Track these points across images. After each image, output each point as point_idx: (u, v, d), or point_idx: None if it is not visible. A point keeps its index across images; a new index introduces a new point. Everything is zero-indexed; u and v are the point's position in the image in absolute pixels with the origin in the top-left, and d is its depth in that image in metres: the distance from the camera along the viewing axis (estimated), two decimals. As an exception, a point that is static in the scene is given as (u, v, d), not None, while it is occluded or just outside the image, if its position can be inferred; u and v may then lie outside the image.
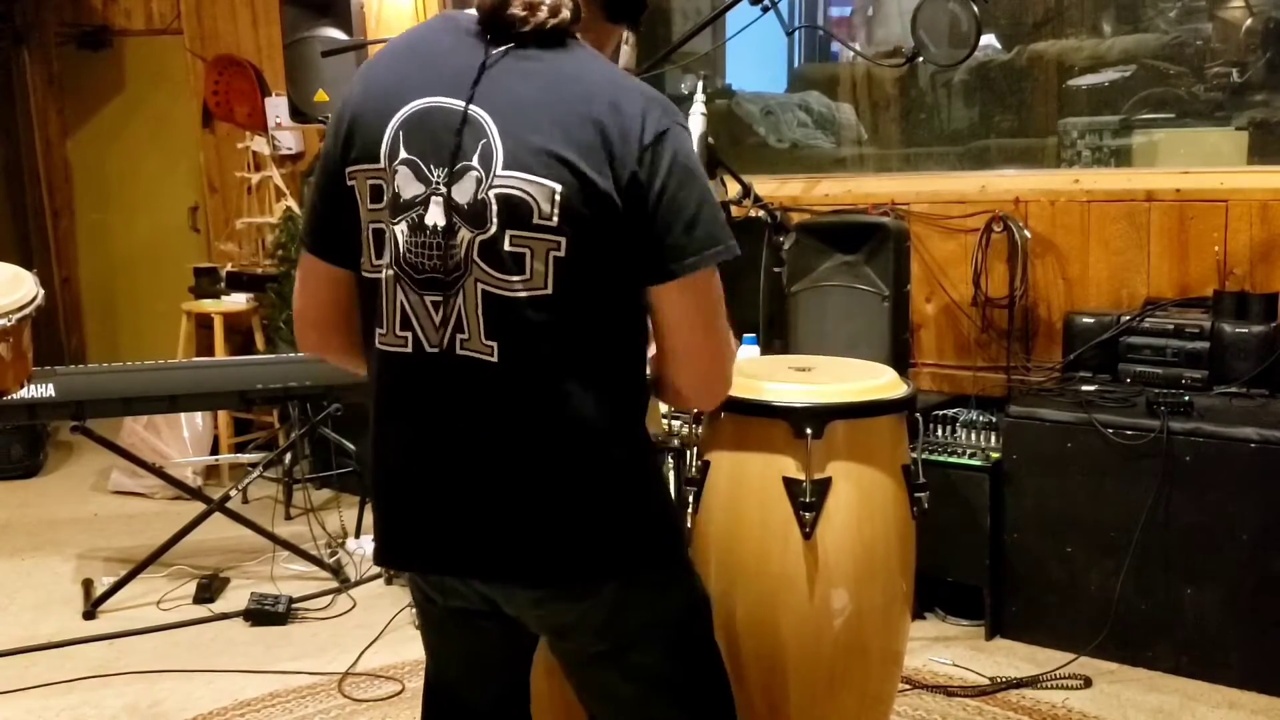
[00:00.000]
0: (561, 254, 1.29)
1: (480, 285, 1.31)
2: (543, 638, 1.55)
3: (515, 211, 1.28)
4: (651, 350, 1.44)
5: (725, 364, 1.44)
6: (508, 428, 1.35)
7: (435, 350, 1.34)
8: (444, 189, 1.30)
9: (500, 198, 1.29)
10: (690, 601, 1.54)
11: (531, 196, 1.28)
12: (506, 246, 1.29)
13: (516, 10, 1.32)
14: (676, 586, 1.51)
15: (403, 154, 1.32)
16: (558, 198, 1.27)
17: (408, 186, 1.32)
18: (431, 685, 1.63)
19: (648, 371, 1.46)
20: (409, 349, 1.36)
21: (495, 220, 1.29)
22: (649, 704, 1.50)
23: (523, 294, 1.30)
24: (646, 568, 1.45)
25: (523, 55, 1.33)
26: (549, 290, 1.30)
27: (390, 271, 1.35)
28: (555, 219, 1.28)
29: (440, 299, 1.33)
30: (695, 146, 2.54)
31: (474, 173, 1.30)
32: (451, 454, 1.37)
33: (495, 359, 1.32)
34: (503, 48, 1.33)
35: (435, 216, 1.31)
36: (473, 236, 1.30)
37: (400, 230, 1.33)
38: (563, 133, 1.28)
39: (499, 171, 1.29)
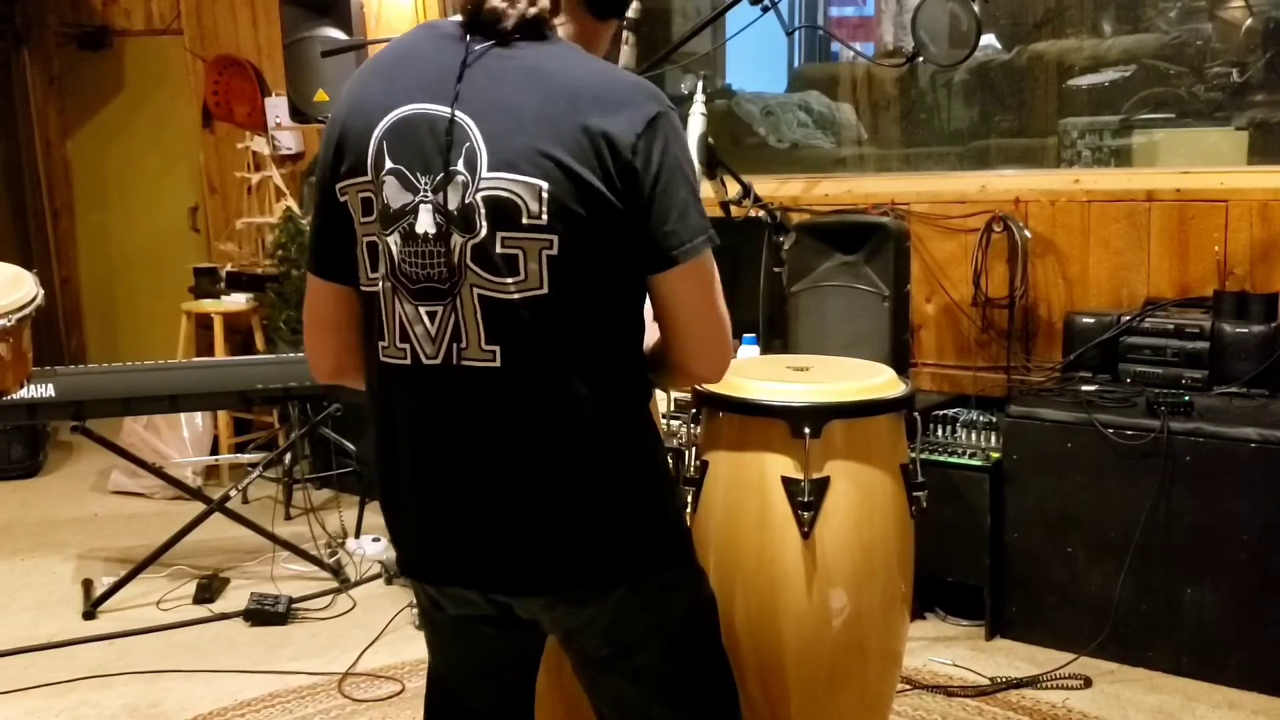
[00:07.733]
0: (554, 252, 1.28)
1: (476, 290, 1.30)
2: (550, 637, 1.55)
3: (504, 212, 1.28)
4: (648, 339, 1.44)
5: (728, 336, 1.45)
6: (515, 435, 1.34)
7: (434, 362, 1.34)
8: (432, 196, 1.30)
9: (487, 200, 1.28)
10: (696, 603, 1.53)
11: (519, 196, 1.27)
12: (498, 249, 1.29)
13: (498, 3, 1.32)
14: (683, 588, 1.50)
15: (388, 164, 1.32)
16: (545, 195, 1.27)
17: (396, 196, 1.32)
18: (434, 687, 1.63)
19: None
20: (408, 360, 1.35)
21: (484, 223, 1.29)
22: (654, 706, 1.50)
23: (517, 295, 1.29)
24: (655, 571, 1.45)
25: (503, 52, 1.32)
26: (545, 290, 1.29)
27: (387, 284, 1.35)
28: (545, 217, 1.27)
29: (436, 309, 1.32)
30: (695, 146, 2.55)
31: (460, 177, 1.29)
32: (459, 466, 1.37)
33: (498, 363, 1.32)
34: (485, 44, 1.33)
35: (426, 224, 1.31)
36: (464, 241, 1.30)
37: (393, 241, 1.33)
38: (547, 130, 1.27)
39: (484, 174, 1.28)
